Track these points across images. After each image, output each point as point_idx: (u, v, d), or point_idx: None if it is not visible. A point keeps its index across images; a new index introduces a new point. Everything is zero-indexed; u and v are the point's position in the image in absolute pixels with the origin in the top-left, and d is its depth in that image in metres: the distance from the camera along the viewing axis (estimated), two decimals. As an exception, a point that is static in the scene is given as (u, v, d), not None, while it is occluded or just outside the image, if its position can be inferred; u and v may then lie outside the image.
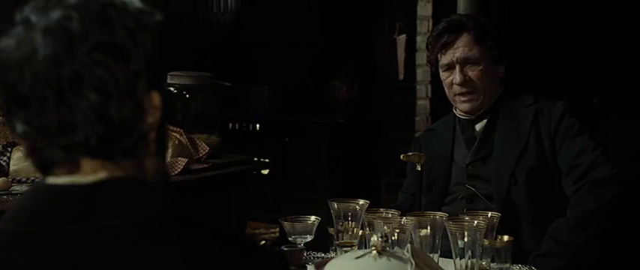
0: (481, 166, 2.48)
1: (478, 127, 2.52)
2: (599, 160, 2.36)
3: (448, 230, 1.90)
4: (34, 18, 1.02)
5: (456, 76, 2.45)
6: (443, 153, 2.55)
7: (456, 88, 2.47)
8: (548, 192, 2.41)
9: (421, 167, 2.42)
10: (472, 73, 2.45)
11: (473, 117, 2.52)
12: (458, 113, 2.55)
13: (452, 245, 1.90)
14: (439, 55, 2.49)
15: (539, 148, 2.42)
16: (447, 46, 2.46)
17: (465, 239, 1.87)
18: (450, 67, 2.47)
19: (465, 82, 2.45)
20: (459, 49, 2.45)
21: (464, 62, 2.45)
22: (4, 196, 2.74)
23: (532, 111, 2.45)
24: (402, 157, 2.46)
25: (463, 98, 2.48)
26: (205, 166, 3.32)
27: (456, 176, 2.52)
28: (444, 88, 2.55)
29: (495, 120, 2.49)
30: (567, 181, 2.38)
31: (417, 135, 3.28)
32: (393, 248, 1.81)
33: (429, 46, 2.54)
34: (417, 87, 5.11)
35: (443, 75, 2.50)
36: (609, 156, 2.44)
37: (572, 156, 2.38)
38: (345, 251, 1.97)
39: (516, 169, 2.41)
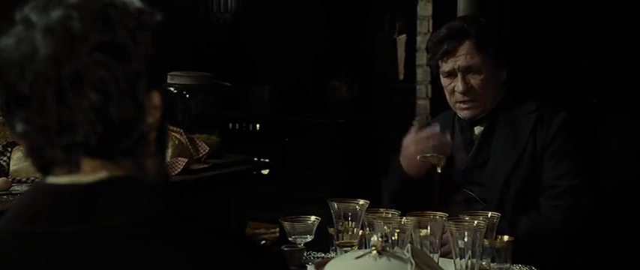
0: (478, 172, 2.47)
1: (477, 130, 2.51)
2: (577, 189, 2.36)
3: (448, 230, 1.90)
4: (34, 17, 1.02)
5: (458, 85, 2.43)
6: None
7: (458, 96, 2.45)
8: (535, 204, 2.40)
9: (441, 169, 2.39)
10: (474, 81, 2.43)
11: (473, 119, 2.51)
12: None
13: (452, 245, 1.89)
14: (440, 62, 2.46)
15: (534, 158, 2.40)
16: (448, 54, 2.43)
17: (465, 239, 1.87)
18: (451, 74, 2.45)
19: (468, 90, 2.43)
20: (460, 58, 2.42)
21: (466, 70, 2.43)
22: (4, 196, 2.74)
23: (533, 119, 2.43)
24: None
25: (464, 106, 2.46)
26: (205, 166, 3.32)
27: (457, 176, 2.51)
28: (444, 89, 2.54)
29: (494, 125, 2.48)
30: (541, 198, 2.39)
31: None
32: (393, 248, 1.81)
33: (429, 52, 2.51)
34: (417, 87, 5.11)
35: (444, 81, 2.48)
36: (591, 186, 2.43)
37: (553, 176, 2.38)
38: (345, 251, 1.97)
39: (510, 178, 2.40)
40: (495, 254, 1.95)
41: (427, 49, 2.53)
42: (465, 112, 2.47)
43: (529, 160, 2.40)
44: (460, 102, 2.46)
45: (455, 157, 2.52)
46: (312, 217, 2.05)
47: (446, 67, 2.45)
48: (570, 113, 2.47)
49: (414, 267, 1.68)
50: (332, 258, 1.96)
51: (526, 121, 2.44)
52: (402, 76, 5.27)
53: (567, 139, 2.40)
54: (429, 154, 2.41)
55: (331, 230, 2.07)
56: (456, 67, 2.43)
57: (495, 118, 2.48)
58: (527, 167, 2.40)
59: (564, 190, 2.36)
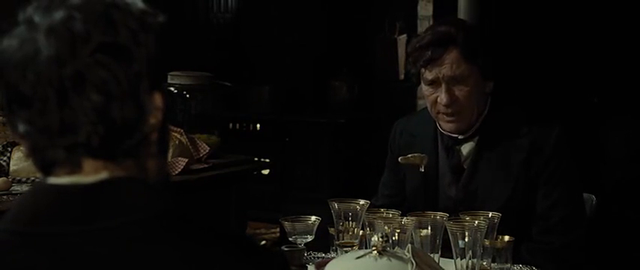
0: (469, 200, 2.28)
1: (464, 150, 2.32)
2: (570, 219, 2.24)
3: (449, 230, 1.90)
4: (37, 18, 1.02)
5: (442, 96, 2.22)
6: (427, 170, 2.35)
7: (441, 108, 2.24)
8: (528, 237, 2.26)
9: (425, 168, 2.33)
10: (459, 92, 2.22)
11: (458, 137, 2.31)
12: (441, 128, 2.33)
13: (453, 245, 1.90)
14: (422, 70, 2.24)
15: (529, 186, 2.26)
16: (433, 61, 2.21)
17: (466, 239, 1.87)
18: (433, 83, 2.24)
19: (452, 103, 2.22)
20: (445, 67, 2.20)
21: (450, 81, 2.21)
22: (4, 196, 2.75)
23: (526, 146, 2.25)
24: (400, 159, 2.34)
25: (448, 118, 2.26)
26: (205, 166, 3.33)
27: (444, 201, 2.34)
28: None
29: (483, 147, 2.29)
30: (534, 227, 2.27)
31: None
32: (393, 248, 1.81)
33: (410, 58, 2.28)
34: (417, 87, 5.10)
35: (426, 90, 2.26)
36: (581, 213, 2.33)
37: (547, 205, 2.25)
38: (346, 251, 1.97)
39: (504, 210, 2.17)
40: (496, 254, 1.95)
41: (408, 54, 2.30)
42: (450, 125, 2.27)
43: (524, 189, 2.26)
44: (443, 114, 2.25)
45: (441, 178, 2.35)
46: (313, 217, 2.05)
47: (429, 75, 2.22)
48: (564, 123, 2.32)
49: (414, 267, 1.68)
50: (332, 258, 1.96)
51: (518, 147, 2.26)
52: (402, 76, 5.27)
53: (562, 159, 2.26)
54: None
55: (332, 230, 2.07)
56: (440, 76, 2.21)
57: (483, 138, 2.29)
58: (522, 197, 2.26)
59: (557, 223, 2.23)
